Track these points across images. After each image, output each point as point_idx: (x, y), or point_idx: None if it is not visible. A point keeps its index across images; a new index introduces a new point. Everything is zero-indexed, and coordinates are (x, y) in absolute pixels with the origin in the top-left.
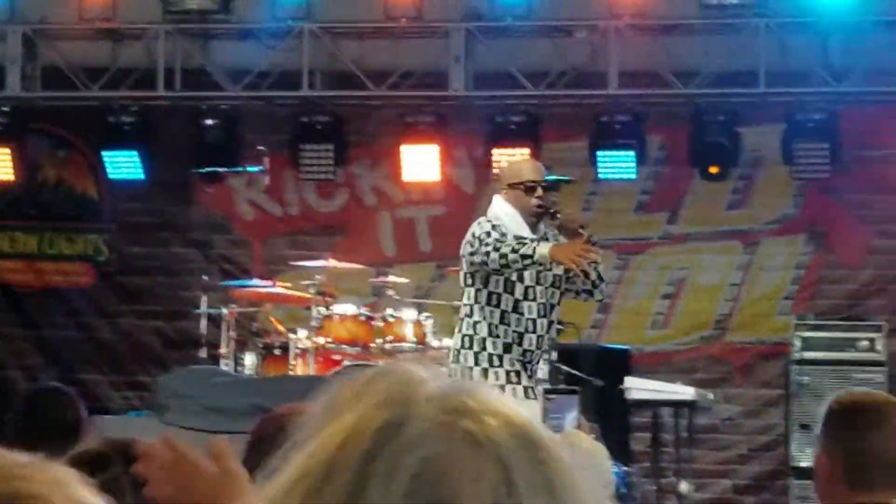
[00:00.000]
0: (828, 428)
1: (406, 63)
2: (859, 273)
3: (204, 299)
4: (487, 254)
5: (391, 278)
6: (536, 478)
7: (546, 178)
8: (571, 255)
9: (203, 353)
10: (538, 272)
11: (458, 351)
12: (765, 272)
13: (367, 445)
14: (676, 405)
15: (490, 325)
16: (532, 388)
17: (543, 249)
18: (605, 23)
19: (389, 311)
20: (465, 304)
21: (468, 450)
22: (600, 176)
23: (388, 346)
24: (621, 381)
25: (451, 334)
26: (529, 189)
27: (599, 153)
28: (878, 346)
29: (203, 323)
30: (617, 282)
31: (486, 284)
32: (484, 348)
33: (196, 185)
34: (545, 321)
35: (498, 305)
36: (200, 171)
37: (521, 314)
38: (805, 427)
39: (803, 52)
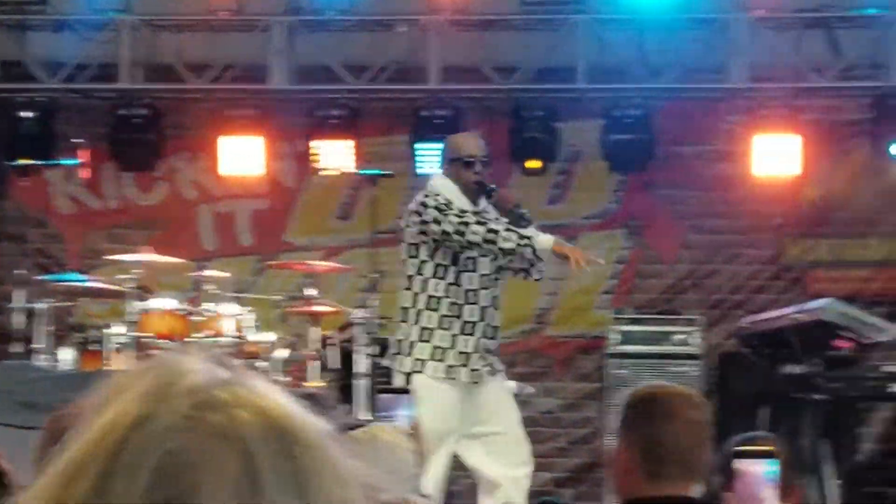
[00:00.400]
0: (625, 421)
1: (227, 56)
2: (675, 268)
3: (19, 294)
4: (465, 224)
5: (211, 272)
6: (285, 471)
7: (363, 172)
8: (576, 253)
9: (18, 348)
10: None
11: (398, 324)
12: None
13: (116, 440)
14: None
15: (430, 297)
16: (489, 365)
17: (546, 242)
18: (425, 18)
19: (209, 305)
20: (407, 276)
21: (213, 443)
22: (419, 171)
23: (206, 340)
24: None
25: (270, 329)
26: (468, 164)
27: (418, 148)
28: (693, 340)
29: (18, 318)
30: None
31: (432, 256)
32: (417, 321)
33: (10, 179)
34: (488, 293)
35: (443, 278)
36: (14, 164)
37: (460, 286)
38: None
39: (621, 48)
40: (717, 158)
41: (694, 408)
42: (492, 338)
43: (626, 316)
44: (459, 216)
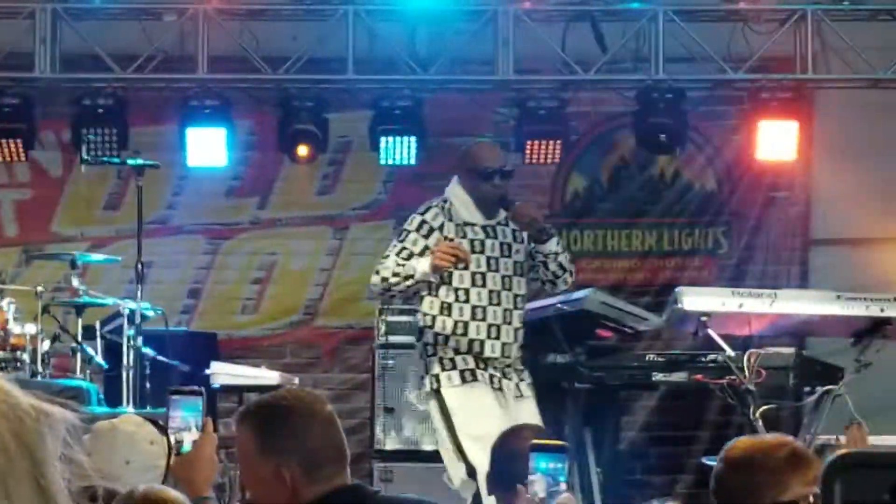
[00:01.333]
0: (266, 440)
1: None
2: None
3: None
4: (385, 257)
5: None
6: None
7: (130, 162)
8: (437, 254)
9: None
10: (489, 258)
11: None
12: (354, 257)
13: None
14: (261, 389)
15: (435, 316)
16: (500, 379)
17: (423, 266)
18: (194, 7)
19: None
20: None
21: None
22: (189, 162)
23: None
24: (208, 367)
25: (34, 320)
26: (487, 176)
27: (189, 138)
28: None
29: None
30: (207, 267)
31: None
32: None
33: None
34: (499, 309)
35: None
36: None
37: (467, 301)
38: (389, 410)
39: (391, 40)
40: None
41: (321, 402)
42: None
43: (393, 307)
44: (395, 247)
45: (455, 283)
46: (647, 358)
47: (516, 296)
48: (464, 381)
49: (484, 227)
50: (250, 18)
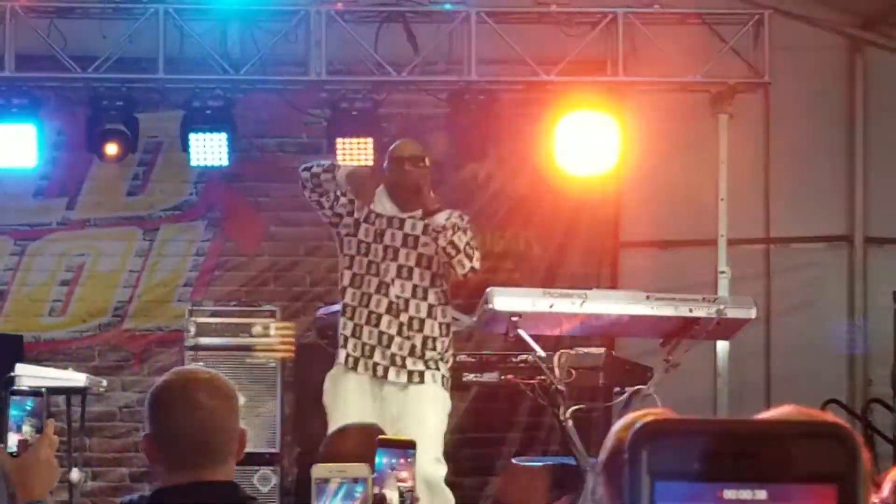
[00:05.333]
0: (147, 409)
1: None
2: (257, 260)
3: None
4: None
5: None
6: None
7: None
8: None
9: None
10: (386, 248)
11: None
12: (164, 259)
13: None
14: (69, 392)
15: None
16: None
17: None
18: (1, 4)
19: None
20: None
21: None
22: None
23: None
24: (13, 369)
25: None
26: (397, 162)
27: None
28: (272, 331)
29: None
30: (14, 269)
31: None
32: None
33: None
34: (385, 299)
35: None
36: None
37: (360, 287)
38: None
39: (202, 39)
40: (300, 151)
41: (209, 392)
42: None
43: (203, 308)
44: None
45: (354, 269)
46: (458, 359)
47: (415, 286)
48: (346, 364)
49: (390, 219)
50: (59, 16)
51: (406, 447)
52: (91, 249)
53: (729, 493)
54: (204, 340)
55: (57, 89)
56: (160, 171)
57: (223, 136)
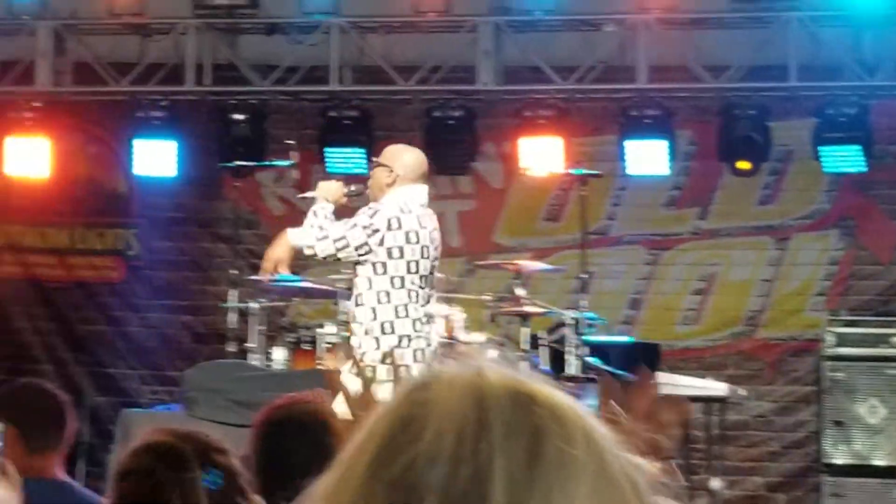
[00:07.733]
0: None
1: (434, 57)
2: (891, 269)
3: (232, 294)
4: None
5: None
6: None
7: (574, 171)
8: None
9: (232, 347)
10: None
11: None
12: (796, 267)
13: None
14: (708, 401)
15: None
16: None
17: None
18: (633, 17)
19: None
20: None
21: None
22: (629, 171)
23: None
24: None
25: (479, 329)
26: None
27: (628, 148)
28: None
29: (231, 317)
30: (647, 277)
31: None
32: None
33: (224, 180)
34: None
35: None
36: (228, 165)
37: None
38: (838, 423)
39: (835, 45)
40: None
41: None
42: None
43: (841, 318)
44: None
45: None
46: None
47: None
48: None
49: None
50: (690, 27)
51: None
52: (723, 259)
53: None
54: (842, 350)
55: (688, 99)
56: (791, 179)
57: (856, 144)
